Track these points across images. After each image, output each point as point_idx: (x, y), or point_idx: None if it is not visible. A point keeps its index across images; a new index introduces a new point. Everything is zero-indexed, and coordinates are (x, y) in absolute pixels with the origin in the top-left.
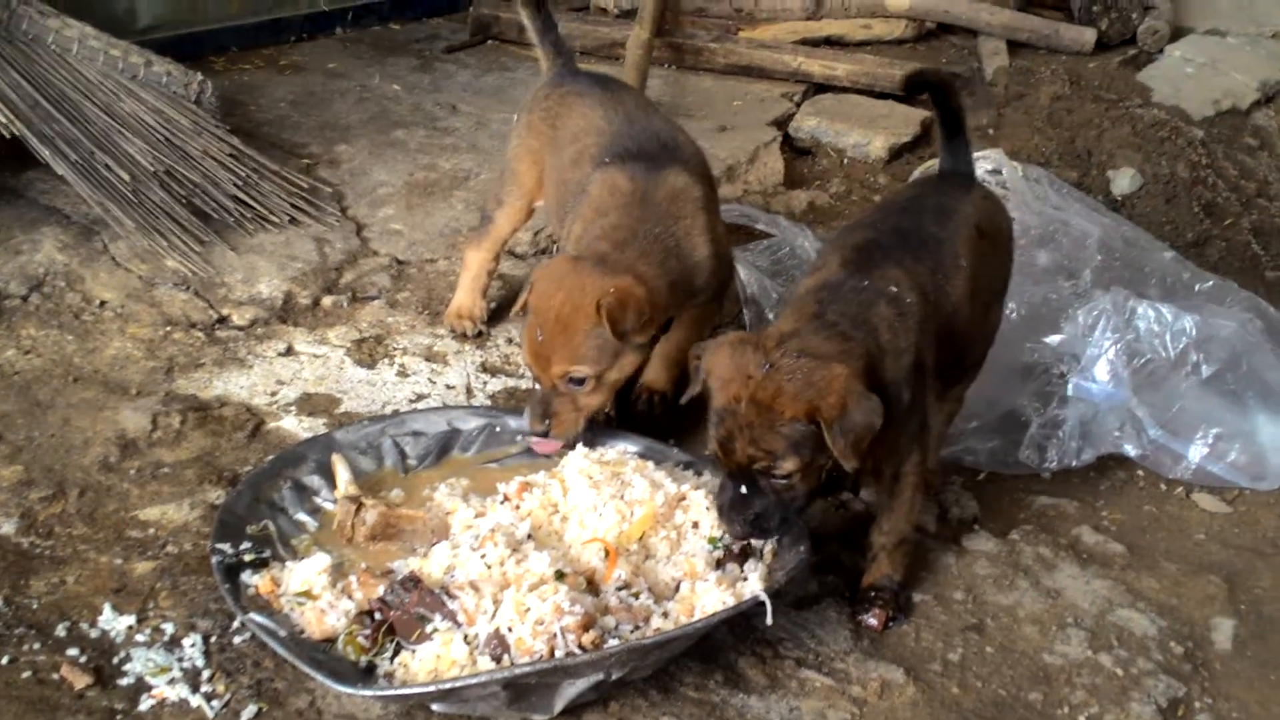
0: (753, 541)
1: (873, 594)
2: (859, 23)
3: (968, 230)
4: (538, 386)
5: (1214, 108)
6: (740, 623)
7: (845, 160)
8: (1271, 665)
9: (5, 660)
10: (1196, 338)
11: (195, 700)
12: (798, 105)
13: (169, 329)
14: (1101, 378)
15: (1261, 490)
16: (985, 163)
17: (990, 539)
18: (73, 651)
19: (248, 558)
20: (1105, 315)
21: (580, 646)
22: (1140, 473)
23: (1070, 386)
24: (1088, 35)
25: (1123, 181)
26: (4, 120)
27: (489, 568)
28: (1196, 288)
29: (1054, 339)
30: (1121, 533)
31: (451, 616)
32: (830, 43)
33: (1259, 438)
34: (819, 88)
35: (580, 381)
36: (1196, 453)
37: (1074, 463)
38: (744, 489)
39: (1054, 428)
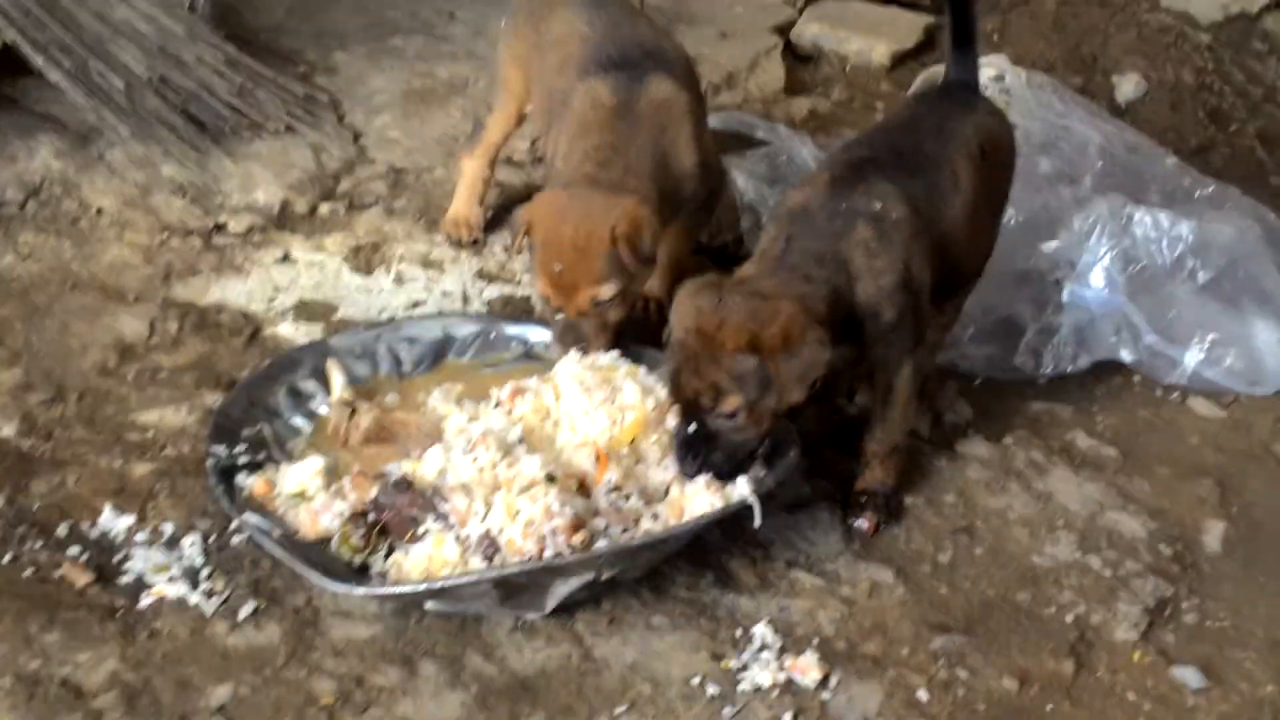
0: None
1: (864, 499)
2: None
3: (968, 150)
4: (559, 316)
5: (1223, 12)
6: (732, 525)
7: (848, 67)
8: (1259, 566)
9: (7, 559)
10: (1193, 244)
11: (194, 598)
12: (800, 11)
13: (166, 235)
14: (1097, 284)
15: (1257, 395)
16: (989, 69)
17: (983, 444)
18: (74, 551)
19: (243, 460)
20: (1101, 222)
21: (569, 547)
22: (1136, 378)
23: (1065, 293)
24: None
25: (1127, 88)
26: None
27: (480, 471)
28: (1197, 194)
29: (1050, 245)
30: (1115, 437)
31: (443, 518)
32: None
33: (1255, 343)
34: None
35: (607, 301)
36: (1192, 358)
37: (1069, 368)
38: (694, 427)
39: (1049, 334)
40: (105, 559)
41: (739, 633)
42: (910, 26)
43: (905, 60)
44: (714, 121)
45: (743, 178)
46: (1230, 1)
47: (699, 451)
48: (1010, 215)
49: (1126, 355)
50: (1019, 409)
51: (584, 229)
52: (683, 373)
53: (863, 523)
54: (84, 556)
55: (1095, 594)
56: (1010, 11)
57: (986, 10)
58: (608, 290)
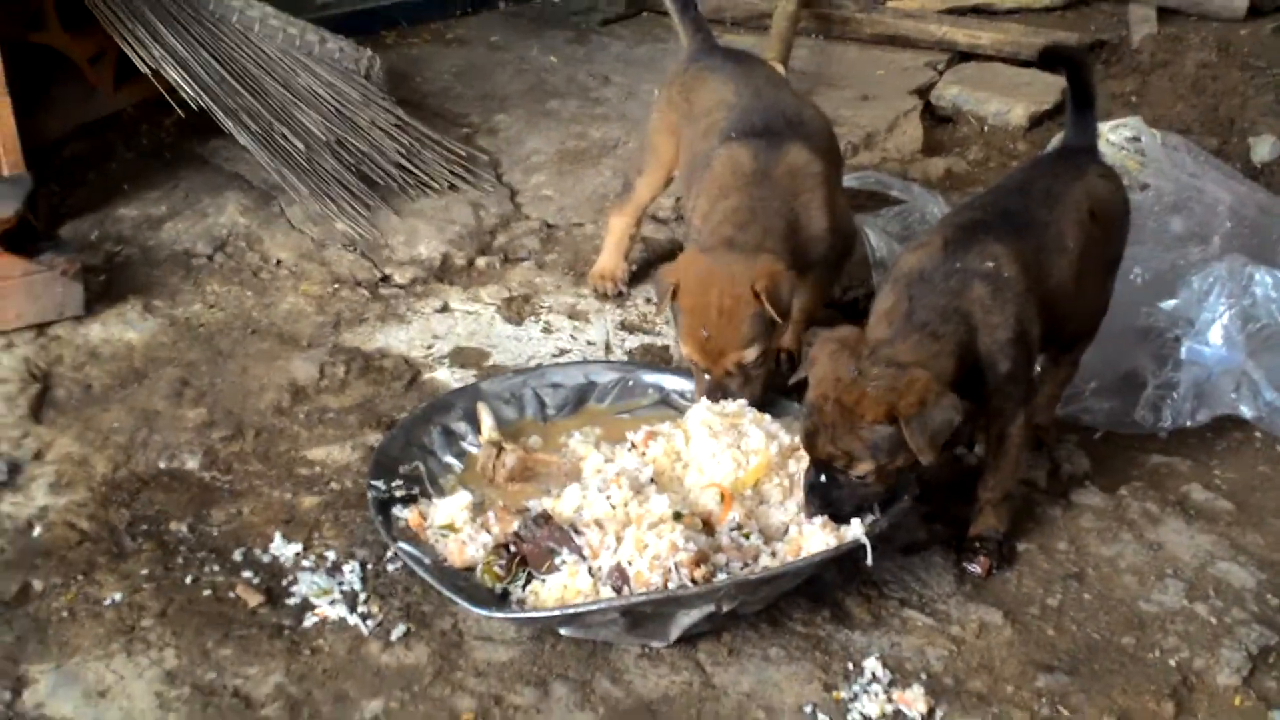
0: None
1: (977, 543)
2: None
3: (1077, 214)
4: (706, 376)
5: None
6: (849, 565)
7: (985, 128)
8: None
9: (189, 579)
10: None
11: (352, 619)
12: (940, 74)
13: (337, 286)
14: (1215, 341)
15: None
16: (1125, 130)
17: (1099, 494)
18: (247, 574)
19: (399, 494)
20: (1220, 281)
21: (692, 580)
22: (1257, 434)
23: (1184, 350)
24: (1239, 1)
25: (1263, 149)
26: (192, 94)
27: (613, 508)
28: None
29: (1169, 303)
30: (1232, 491)
31: (578, 550)
32: (978, 11)
33: None
34: (963, 56)
35: (751, 362)
36: None
37: (1189, 423)
38: (823, 477)
39: (1169, 389)
40: (275, 582)
41: (850, 666)
42: (1047, 87)
43: (1043, 120)
44: (851, 181)
45: (875, 235)
46: None
47: (826, 498)
48: (1137, 273)
49: (1246, 411)
50: (1137, 461)
51: (728, 295)
52: (819, 436)
53: (975, 566)
54: (256, 579)
55: (1200, 640)
56: (1150, 73)
57: (1127, 72)
58: (752, 353)
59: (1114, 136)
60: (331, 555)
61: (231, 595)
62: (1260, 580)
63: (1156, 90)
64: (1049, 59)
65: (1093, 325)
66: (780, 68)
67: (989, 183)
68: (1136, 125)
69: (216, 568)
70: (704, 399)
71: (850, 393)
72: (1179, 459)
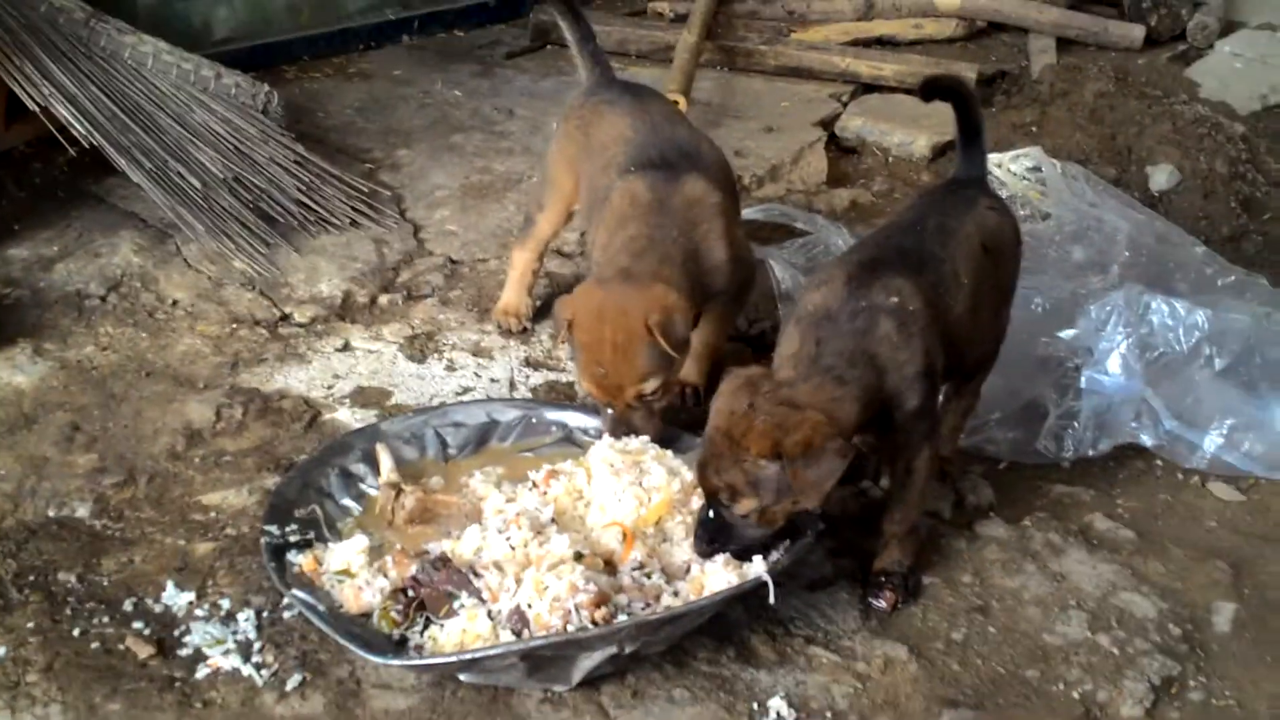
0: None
1: (883, 578)
2: (910, 23)
3: (969, 247)
4: (609, 411)
5: (1261, 102)
6: (754, 602)
7: (890, 159)
8: (1268, 647)
9: (77, 631)
10: (1209, 331)
11: (246, 670)
12: (844, 105)
13: (235, 326)
14: (1114, 370)
15: (1276, 478)
16: (1026, 160)
17: (1003, 525)
18: (138, 624)
19: (294, 539)
20: (1117, 310)
21: (593, 621)
22: (1159, 462)
23: (1083, 379)
24: (1136, 32)
25: (1160, 177)
26: (84, 131)
27: (513, 549)
28: (1220, 283)
29: (1068, 333)
30: (1134, 520)
31: (477, 594)
32: (882, 43)
33: (1274, 427)
34: (867, 88)
35: (651, 394)
36: (1211, 442)
37: (1090, 452)
38: (712, 514)
39: (1070, 418)
40: (166, 632)
41: (755, 705)
42: (950, 118)
43: (945, 151)
44: (755, 213)
45: (780, 267)
46: (1269, 92)
47: (714, 537)
48: (1038, 302)
49: (1148, 440)
50: (1040, 492)
51: (621, 329)
52: (708, 468)
53: (880, 601)
54: (147, 630)
55: (1103, 671)
56: (1050, 103)
57: (1027, 102)
58: (651, 385)
59: (1015, 166)
60: (226, 604)
61: (121, 647)
62: (1162, 609)
63: (1056, 120)
64: (930, 91)
65: (992, 355)
66: (683, 100)
67: (881, 225)
68: (1037, 155)
69: (106, 619)
70: (606, 436)
71: (739, 426)
72: (1081, 488)
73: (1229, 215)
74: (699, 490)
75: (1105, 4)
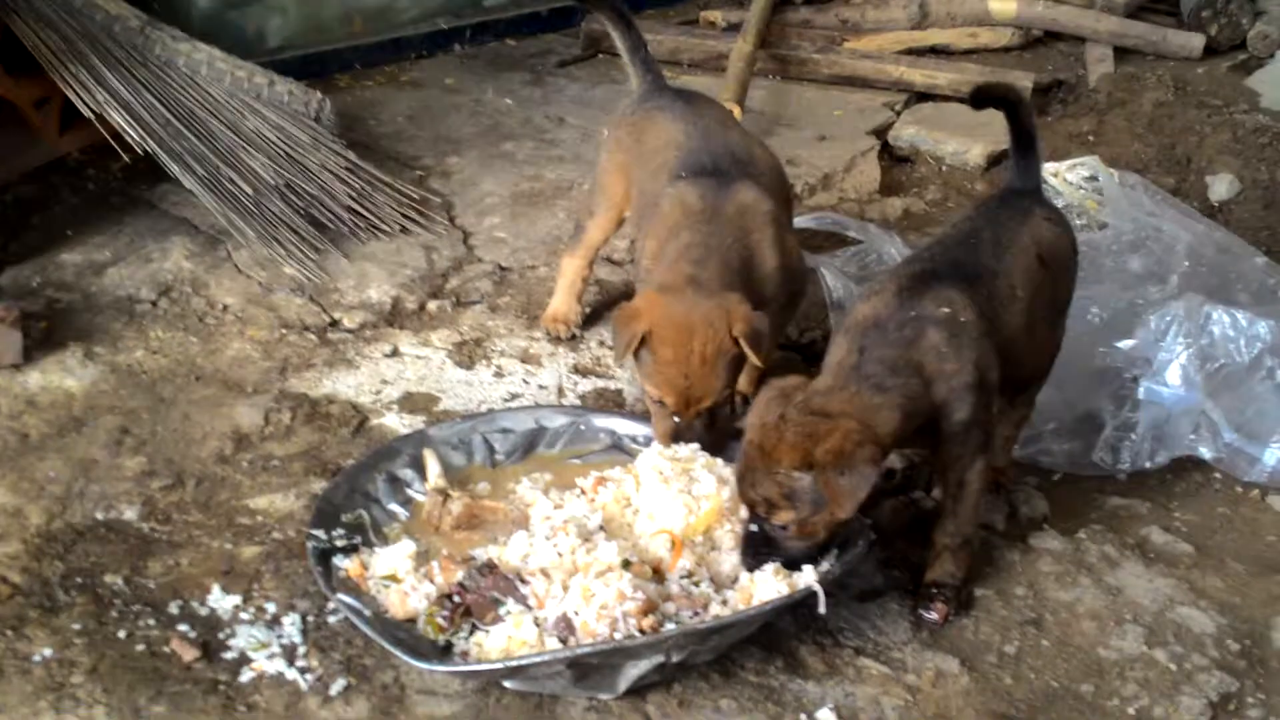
0: None
1: (934, 590)
2: (965, 31)
3: (1026, 260)
4: (675, 419)
5: None
6: (803, 612)
7: (943, 168)
8: None
9: (122, 634)
10: (1271, 343)
11: (291, 674)
12: (898, 114)
13: (284, 331)
14: (1173, 381)
15: None
16: (1082, 169)
17: (1057, 538)
18: (183, 627)
19: (340, 543)
20: (1177, 320)
21: (640, 630)
22: (1217, 475)
23: (1141, 390)
24: (1195, 41)
25: (1220, 187)
26: (138, 138)
27: (560, 556)
28: None
29: (1126, 344)
30: (1191, 533)
31: (523, 600)
32: (936, 52)
33: None
34: (921, 96)
35: (718, 402)
36: (1272, 456)
37: (1148, 464)
38: (754, 526)
39: (1127, 430)
40: (211, 635)
41: (804, 717)
42: (1005, 126)
43: (1000, 160)
44: (807, 221)
45: (832, 276)
46: None
47: (758, 550)
48: (1095, 313)
49: (1206, 452)
50: (1096, 504)
51: (710, 341)
52: (744, 481)
53: (932, 613)
54: (192, 633)
55: (1159, 687)
56: (1107, 113)
57: (1084, 111)
58: (722, 396)
59: (1071, 176)
60: (271, 607)
61: (166, 650)
62: (1220, 625)
63: (1113, 129)
64: (981, 100)
65: (1046, 367)
66: (737, 109)
67: (947, 223)
68: (1094, 165)
69: (151, 621)
70: (656, 444)
71: (770, 438)
72: (1138, 501)
73: None
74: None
75: (1164, 13)
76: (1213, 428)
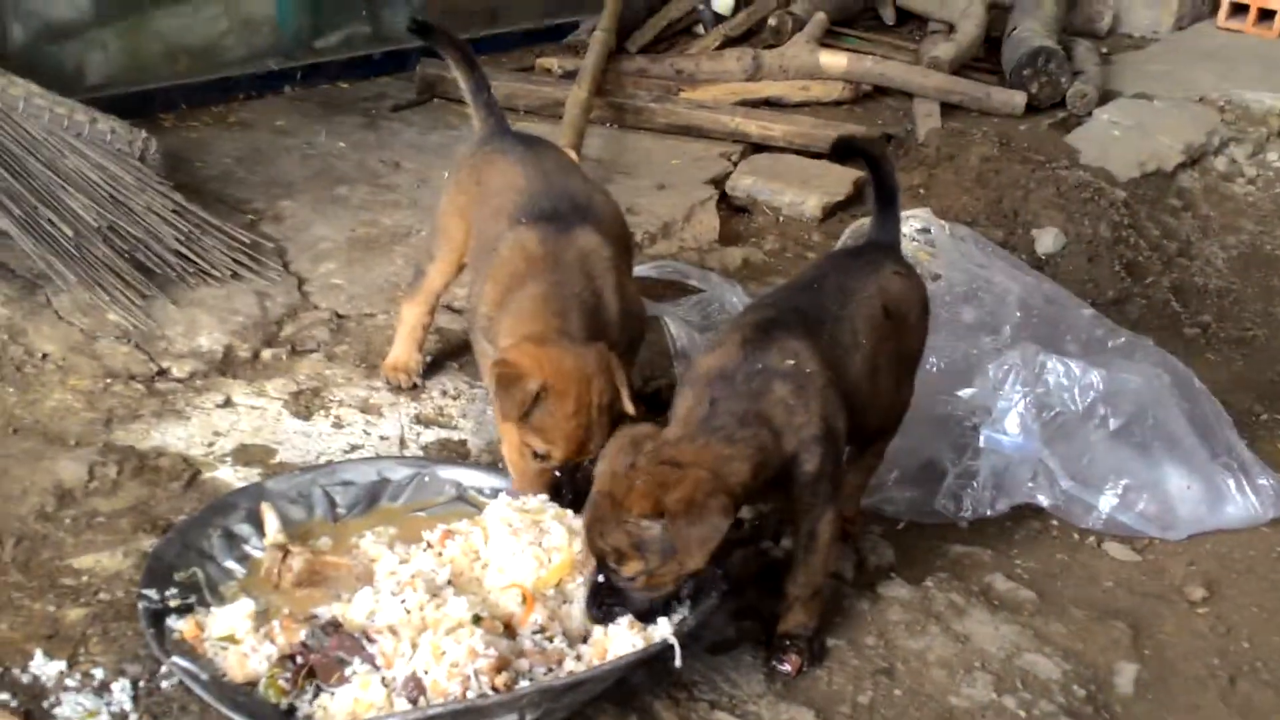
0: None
1: (787, 641)
2: (797, 84)
3: (869, 310)
4: (557, 473)
5: (1139, 169)
6: (657, 666)
7: (781, 218)
8: (1171, 708)
9: None
10: (1104, 391)
11: None
12: (735, 164)
13: (109, 381)
14: (1012, 430)
15: (1170, 539)
16: (915, 221)
17: (905, 586)
18: (4, 696)
19: (174, 603)
20: (1015, 369)
21: (494, 688)
22: (1055, 522)
23: (982, 438)
24: (1018, 98)
25: (1046, 240)
26: None
27: (408, 612)
28: (1110, 344)
29: (966, 392)
30: (1033, 580)
31: (370, 660)
32: (769, 104)
33: (1166, 487)
34: (756, 147)
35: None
36: (1106, 503)
37: (989, 512)
38: (601, 577)
39: (968, 478)
40: (35, 704)
41: None
42: (840, 179)
43: (836, 211)
44: (648, 270)
45: (675, 324)
46: (1147, 159)
47: (604, 602)
48: (932, 362)
49: (1043, 500)
50: (940, 551)
51: (604, 391)
52: (592, 530)
53: (785, 665)
54: (14, 702)
55: None
56: (936, 166)
57: (914, 165)
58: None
59: (905, 228)
60: (99, 673)
61: None
62: (1065, 670)
63: (943, 183)
64: (842, 150)
65: (894, 422)
66: (574, 155)
67: (785, 272)
68: (926, 217)
69: None
70: (504, 495)
71: (620, 486)
72: (980, 548)
73: (1114, 278)
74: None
75: (987, 71)
76: (1050, 475)
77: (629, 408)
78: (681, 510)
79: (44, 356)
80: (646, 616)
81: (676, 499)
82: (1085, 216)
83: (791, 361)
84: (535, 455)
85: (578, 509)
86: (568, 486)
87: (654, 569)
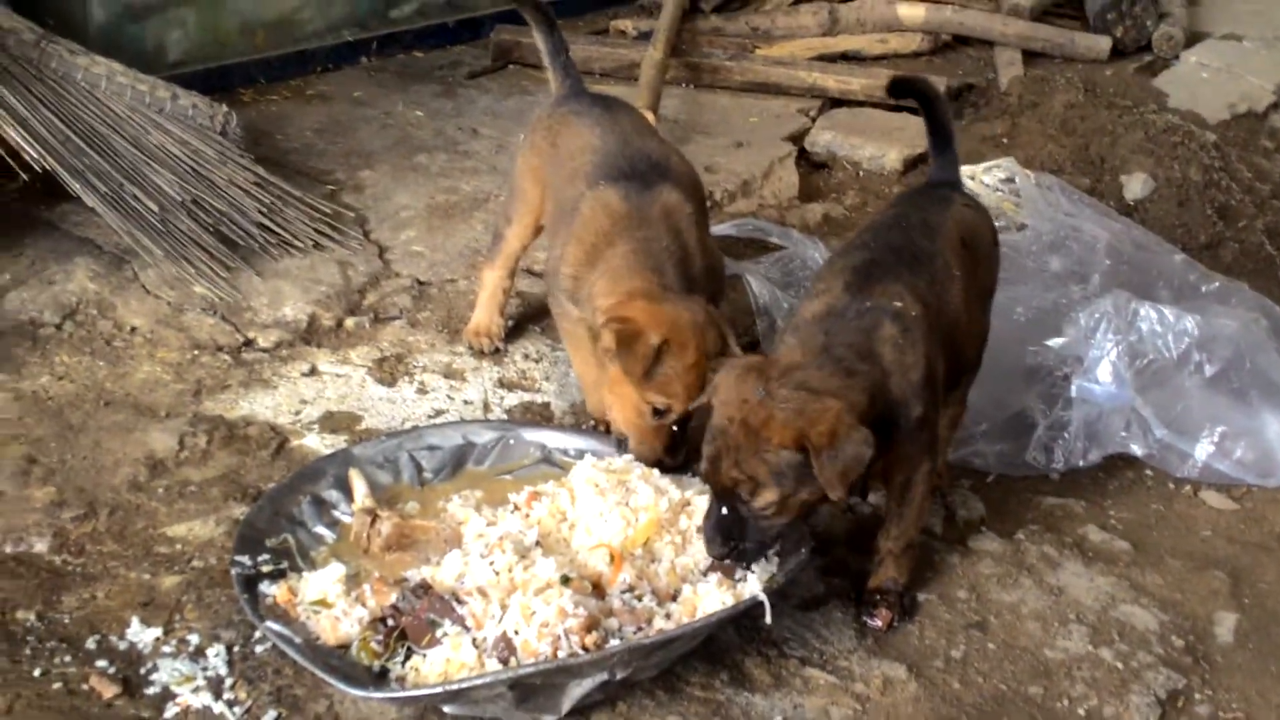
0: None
1: (877, 596)
2: (875, 38)
3: (953, 243)
4: (654, 421)
5: (1229, 111)
6: (747, 624)
7: (861, 173)
8: (1272, 657)
9: (38, 673)
10: (1199, 338)
11: (218, 707)
12: (813, 120)
13: (197, 352)
14: (1104, 379)
15: (1269, 486)
16: (999, 172)
17: (996, 539)
18: (102, 663)
19: (266, 569)
20: (1106, 317)
21: (583, 647)
22: (1149, 472)
23: (1074, 388)
24: (1103, 43)
25: (1135, 186)
26: (36, 155)
27: (497, 574)
28: (1204, 289)
29: (1056, 341)
30: (1128, 531)
31: (460, 621)
32: (847, 58)
33: (1265, 434)
34: (835, 102)
35: None
36: (1203, 451)
37: (1081, 463)
38: (725, 511)
39: (1060, 429)
40: (132, 670)
41: None
42: (920, 130)
43: (917, 164)
44: (729, 228)
45: (757, 282)
46: (1237, 100)
47: (728, 534)
48: (1019, 312)
49: (1137, 449)
50: (1032, 504)
51: (714, 341)
52: (722, 461)
53: (876, 620)
54: (112, 668)
55: (1107, 686)
56: (1020, 115)
57: (997, 114)
58: None
59: (988, 178)
60: (194, 639)
61: (85, 687)
62: (1163, 621)
63: (1027, 131)
64: (899, 90)
65: (978, 358)
66: (651, 116)
67: (864, 224)
68: (1010, 166)
69: (68, 658)
70: (590, 458)
71: (757, 414)
72: (1073, 500)
73: (1205, 223)
74: (688, 509)
75: (1070, 17)
76: (1144, 424)
77: (738, 354)
78: (826, 443)
79: (132, 330)
80: (760, 551)
81: (820, 431)
82: (1174, 161)
83: (898, 303)
84: (655, 412)
85: (688, 467)
86: (682, 440)
87: (788, 495)
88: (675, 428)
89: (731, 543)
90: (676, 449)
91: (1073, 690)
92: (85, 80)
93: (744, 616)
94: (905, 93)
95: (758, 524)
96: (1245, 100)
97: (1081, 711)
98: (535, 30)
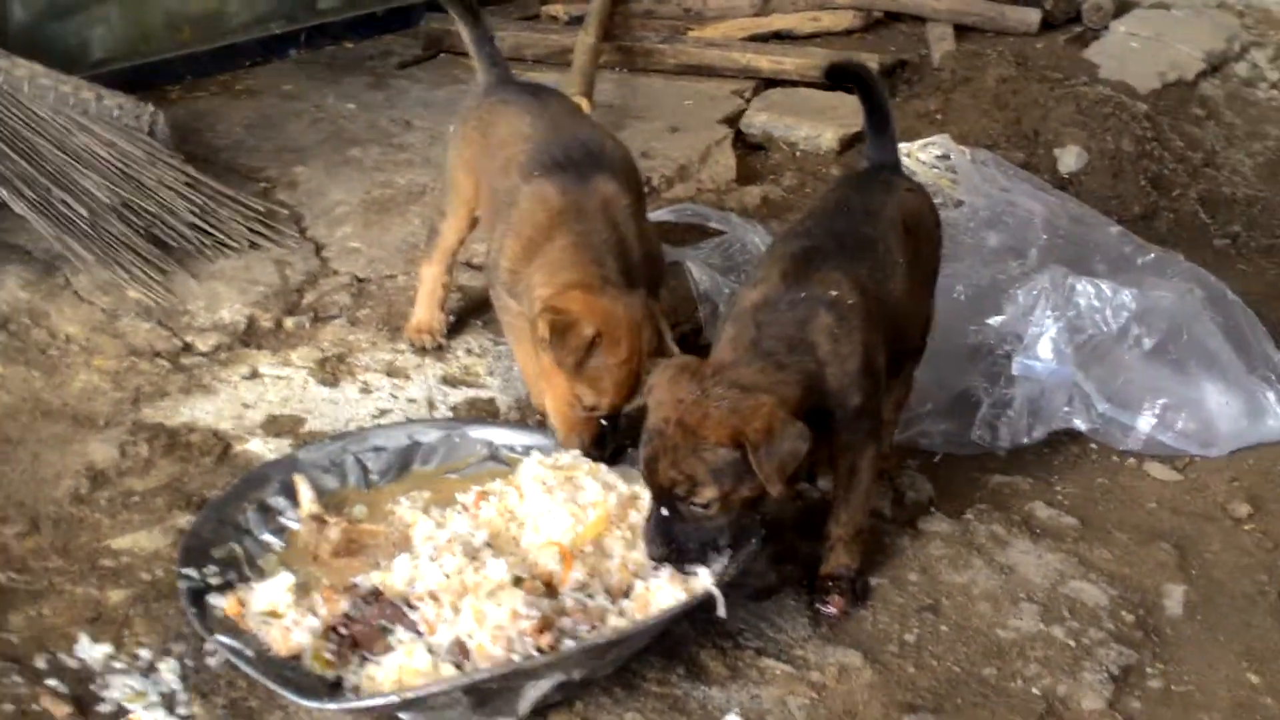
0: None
1: (830, 583)
2: (807, 16)
3: (895, 227)
4: (604, 423)
5: (1160, 80)
6: (701, 616)
7: (798, 153)
8: (1221, 628)
9: None
10: (1136, 310)
11: None
12: (748, 101)
13: (134, 359)
14: (1045, 355)
15: (1211, 456)
16: (934, 148)
17: (945, 520)
18: (52, 682)
19: (213, 580)
20: (1045, 294)
21: (538, 649)
22: (1093, 446)
23: (1015, 365)
24: (1032, 16)
25: (1069, 159)
26: None
27: (448, 577)
28: (1139, 261)
29: (996, 319)
30: (1074, 506)
31: (413, 627)
32: (780, 37)
33: (1206, 405)
34: (769, 83)
35: None
36: (1145, 423)
37: (1026, 440)
38: (665, 512)
39: (1003, 407)
40: (83, 688)
41: None
42: (856, 110)
43: (853, 143)
44: (667, 214)
45: (697, 268)
46: (1168, 69)
47: (668, 534)
48: (959, 290)
49: (1081, 424)
50: (979, 483)
51: (650, 336)
52: (660, 461)
53: (829, 607)
54: (63, 687)
55: (1060, 664)
56: (953, 91)
57: (930, 90)
58: None
59: (924, 155)
60: (145, 653)
61: (36, 707)
62: (1112, 596)
63: (960, 107)
64: (836, 75)
65: (922, 341)
66: (585, 102)
67: (806, 209)
68: (945, 143)
69: (18, 678)
70: (535, 453)
71: (693, 413)
72: (1020, 477)
73: (1139, 193)
74: (637, 503)
75: None
76: (1086, 399)
77: (674, 352)
78: (761, 439)
79: (67, 338)
80: (703, 553)
81: (755, 428)
82: (1107, 132)
83: (834, 291)
84: (584, 406)
85: (616, 460)
86: (611, 436)
87: (727, 493)
88: (604, 421)
89: (673, 544)
90: (604, 442)
91: (1026, 670)
92: (7, 84)
93: (698, 610)
94: (842, 78)
95: (699, 523)
96: (1175, 69)
97: (1036, 691)
98: (459, 20)
